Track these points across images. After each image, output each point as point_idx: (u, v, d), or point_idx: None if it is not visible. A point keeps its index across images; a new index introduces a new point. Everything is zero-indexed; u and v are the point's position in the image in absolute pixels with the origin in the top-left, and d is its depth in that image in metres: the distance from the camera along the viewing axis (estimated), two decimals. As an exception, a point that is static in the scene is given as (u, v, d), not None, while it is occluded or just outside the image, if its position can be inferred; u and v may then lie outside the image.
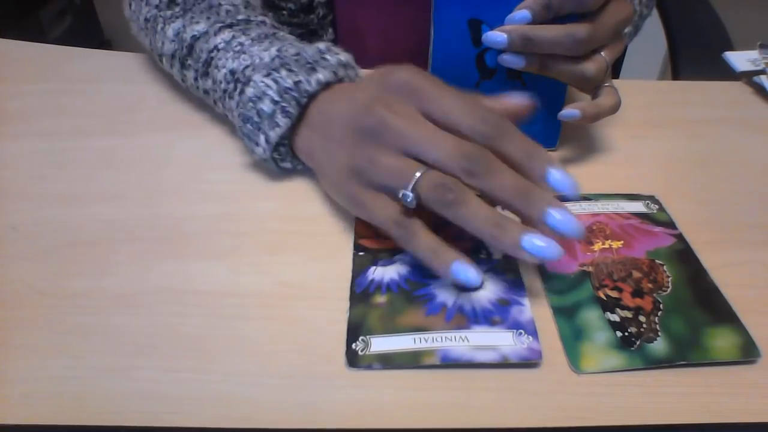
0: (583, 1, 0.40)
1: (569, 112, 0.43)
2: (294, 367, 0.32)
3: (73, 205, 0.42)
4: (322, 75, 0.41)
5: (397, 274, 0.37)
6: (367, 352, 0.32)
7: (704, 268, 0.38)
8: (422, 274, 0.37)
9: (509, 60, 0.42)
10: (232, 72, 0.44)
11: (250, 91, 0.42)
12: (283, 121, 0.41)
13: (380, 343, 0.33)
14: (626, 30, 0.59)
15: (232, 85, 0.44)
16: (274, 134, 0.41)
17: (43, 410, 0.30)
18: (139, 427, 0.29)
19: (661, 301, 0.35)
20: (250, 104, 0.41)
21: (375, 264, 0.38)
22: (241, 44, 0.45)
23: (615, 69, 0.59)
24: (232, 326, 0.34)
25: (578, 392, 0.31)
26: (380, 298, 0.35)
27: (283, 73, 0.41)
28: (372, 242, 0.39)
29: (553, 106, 0.44)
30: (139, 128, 0.49)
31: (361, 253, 0.38)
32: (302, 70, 0.41)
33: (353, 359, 0.32)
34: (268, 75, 0.41)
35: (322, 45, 0.43)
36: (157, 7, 0.51)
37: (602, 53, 0.43)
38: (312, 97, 0.41)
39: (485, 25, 0.42)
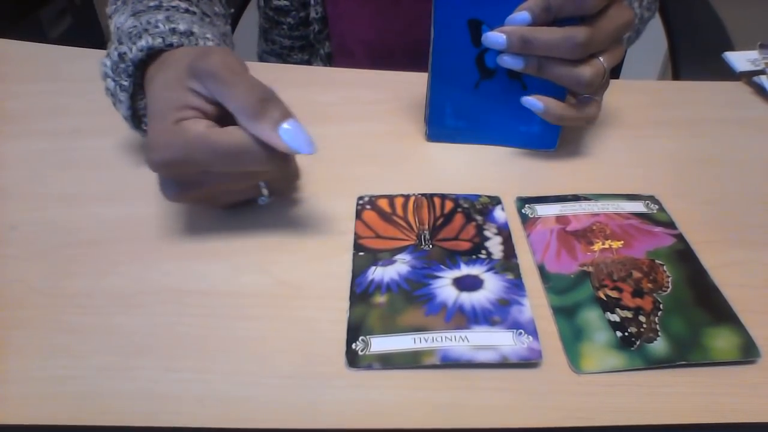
0: (583, 4, 0.40)
1: (533, 101, 0.44)
2: (294, 367, 0.32)
3: (73, 205, 0.42)
4: (144, 41, 0.39)
5: (397, 274, 0.37)
6: (367, 352, 0.32)
7: (704, 268, 0.38)
8: (422, 274, 0.37)
9: (508, 61, 0.42)
10: None
11: (100, 71, 0.41)
12: (122, 96, 0.40)
13: (380, 343, 0.33)
14: (626, 35, 0.59)
15: None
16: (123, 109, 0.40)
17: (43, 410, 0.30)
18: (139, 427, 0.29)
19: (661, 301, 0.35)
20: (104, 86, 0.41)
21: (375, 264, 0.37)
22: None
23: (615, 70, 0.59)
24: (232, 326, 0.34)
25: (578, 392, 0.31)
26: (380, 298, 0.35)
27: (112, 47, 0.40)
28: (372, 242, 0.39)
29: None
30: (139, 128, 0.49)
31: (361, 253, 0.38)
32: (129, 41, 0.39)
33: (353, 359, 0.32)
34: (107, 54, 0.40)
35: (162, 15, 0.41)
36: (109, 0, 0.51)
37: (600, 58, 0.42)
38: (140, 64, 0.39)
39: (485, 25, 0.42)
